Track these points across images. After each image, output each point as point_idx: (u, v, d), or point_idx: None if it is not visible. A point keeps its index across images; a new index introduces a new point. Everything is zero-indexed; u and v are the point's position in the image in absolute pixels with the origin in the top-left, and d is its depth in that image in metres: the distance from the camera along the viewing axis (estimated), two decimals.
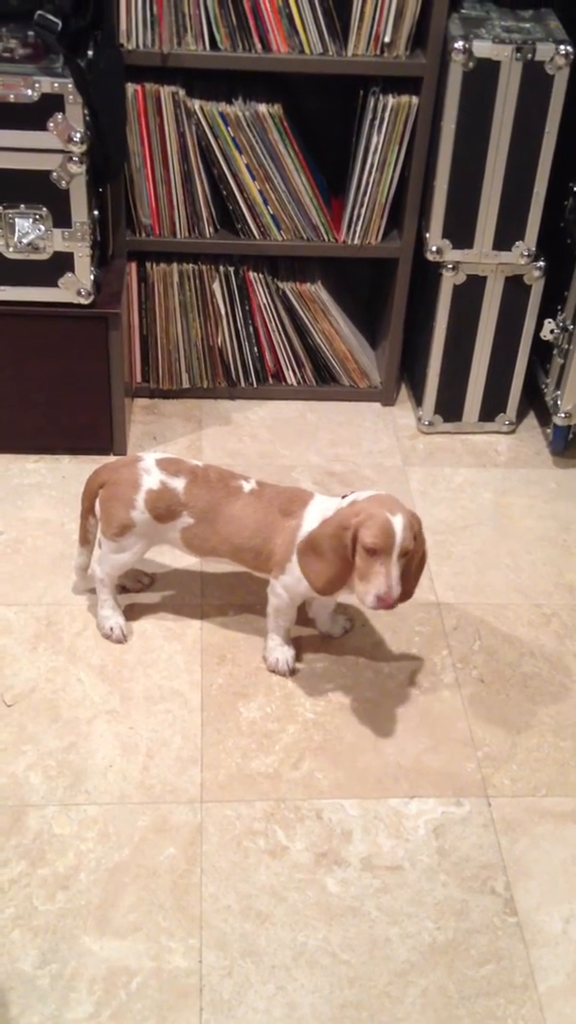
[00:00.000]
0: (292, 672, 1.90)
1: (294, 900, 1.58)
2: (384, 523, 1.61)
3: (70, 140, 1.97)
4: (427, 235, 2.26)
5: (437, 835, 1.67)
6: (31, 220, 2.05)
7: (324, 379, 2.54)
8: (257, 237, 2.31)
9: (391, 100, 2.16)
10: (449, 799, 1.72)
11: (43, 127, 1.96)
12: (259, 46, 2.10)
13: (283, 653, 1.89)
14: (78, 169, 2.00)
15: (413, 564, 1.69)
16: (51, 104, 1.94)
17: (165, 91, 2.13)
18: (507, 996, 1.50)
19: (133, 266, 2.33)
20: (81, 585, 2.00)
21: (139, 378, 2.49)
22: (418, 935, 1.55)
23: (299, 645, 1.94)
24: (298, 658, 1.92)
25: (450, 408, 2.46)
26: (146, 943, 1.52)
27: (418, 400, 2.50)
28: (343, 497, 1.75)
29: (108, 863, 1.60)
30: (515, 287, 2.30)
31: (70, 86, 1.92)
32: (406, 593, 1.69)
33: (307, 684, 1.89)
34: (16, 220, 2.04)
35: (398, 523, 1.62)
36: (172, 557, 2.06)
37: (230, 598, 2.03)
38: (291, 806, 1.70)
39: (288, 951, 1.53)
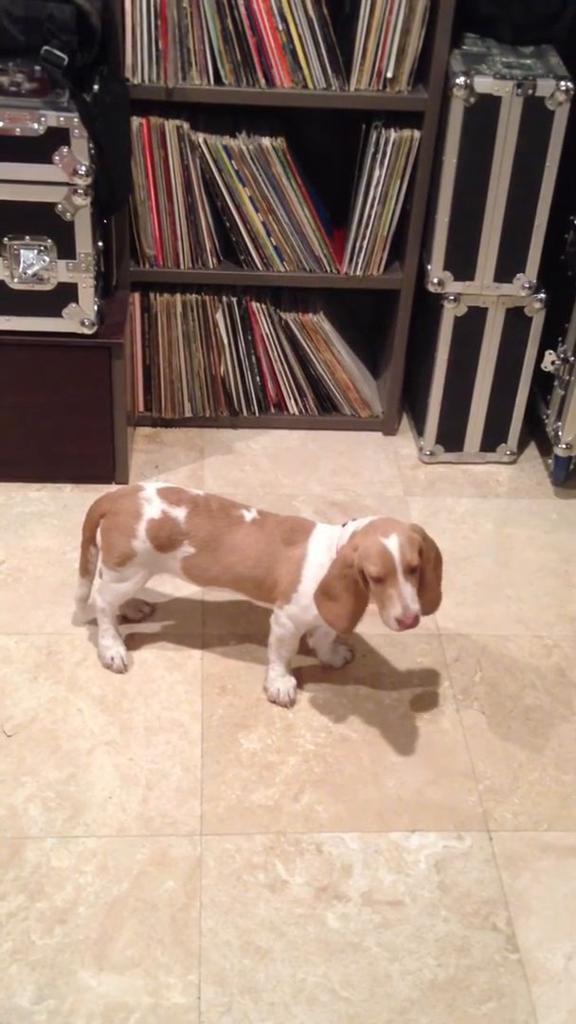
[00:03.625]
0: (293, 703, 1.89)
1: (294, 935, 1.57)
2: (380, 550, 1.62)
3: (75, 173, 1.99)
4: (429, 267, 2.27)
5: (438, 870, 1.66)
6: (36, 251, 2.06)
7: (326, 409, 2.55)
8: (260, 268, 2.33)
9: (393, 134, 2.18)
10: (450, 833, 1.71)
11: (49, 160, 1.98)
12: (263, 81, 2.12)
13: (284, 684, 1.89)
14: (83, 201, 2.02)
15: (428, 572, 1.70)
16: (57, 138, 1.96)
17: (170, 125, 2.16)
18: None
19: (137, 296, 2.34)
20: (81, 616, 2.00)
21: (142, 407, 2.50)
22: (419, 972, 1.54)
23: (300, 676, 1.94)
24: (299, 688, 1.92)
25: (451, 438, 2.46)
26: (144, 978, 1.51)
27: (419, 430, 2.51)
28: (343, 525, 1.76)
29: (107, 897, 1.59)
30: (516, 319, 2.31)
31: (76, 120, 1.94)
32: (431, 602, 1.71)
33: (308, 715, 1.88)
34: (21, 251, 2.06)
35: (393, 545, 1.63)
36: (173, 587, 2.06)
37: (231, 628, 2.03)
38: (291, 839, 1.69)
39: (287, 987, 1.51)
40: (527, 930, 1.60)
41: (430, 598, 1.71)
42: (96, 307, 2.13)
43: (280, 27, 2.07)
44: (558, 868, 1.68)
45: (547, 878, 1.66)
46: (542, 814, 1.75)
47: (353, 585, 1.66)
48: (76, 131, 1.95)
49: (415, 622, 1.63)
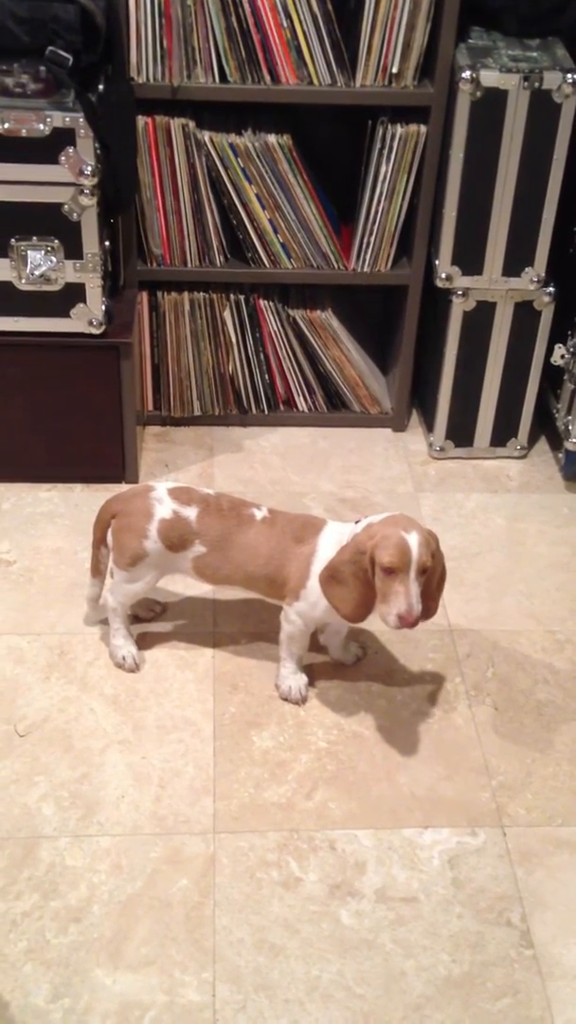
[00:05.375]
0: (305, 700, 1.89)
1: (308, 933, 1.57)
2: (399, 542, 1.62)
3: (81, 173, 1.99)
4: (437, 262, 2.27)
5: (452, 866, 1.66)
6: (43, 252, 2.06)
7: (335, 406, 2.55)
8: (267, 266, 2.33)
9: (399, 129, 2.18)
10: (464, 829, 1.71)
11: (55, 161, 1.98)
12: (268, 78, 2.12)
13: (296, 681, 1.89)
14: (89, 201, 2.02)
15: (433, 582, 1.69)
16: (63, 138, 1.96)
17: (175, 123, 2.16)
18: None
19: (144, 295, 2.34)
20: (93, 616, 2.00)
21: (151, 406, 2.50)
22: (433, 968, 1.54)
23: (311, 673, 1.94)
24: (311, 686, 1.92)
25: (461, 434, 2.46)
26: (159, 977, 1.51)
27: (429, 426, 2.50)
28: (356, 522, 1.75)
29: (121, 895, 1.60)
30: (525, 313, 2.30)
31: (81, 120, 1.95)
32: (428, 611, 1.69)
33: (320, 712, 1.88)
34: (28, 252, 2.06)
35: (413, 540, 1.62)
36: (184, 585, 2.06)
37: (242, 626, 2.03)
38: (304, 837, 1.69)
39: (302, 985, 1.51)
40: (542, 926, 1.59)
41: (426, 607, 1.69)
42: (104, 307, 2.14)
43: (284, 24, 2.06)
44: (572, 863, 1.67)
45: (561, 873, 1.66)
46: (556, 809, 1.75)
47: (361, 573, 1.65)
48: (82, 131, 1.96)
49: (415, 623, 1.62)
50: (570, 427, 2.35)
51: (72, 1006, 1.47)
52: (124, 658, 1.92)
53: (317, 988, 1.51)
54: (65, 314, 2.13)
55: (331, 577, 1.69)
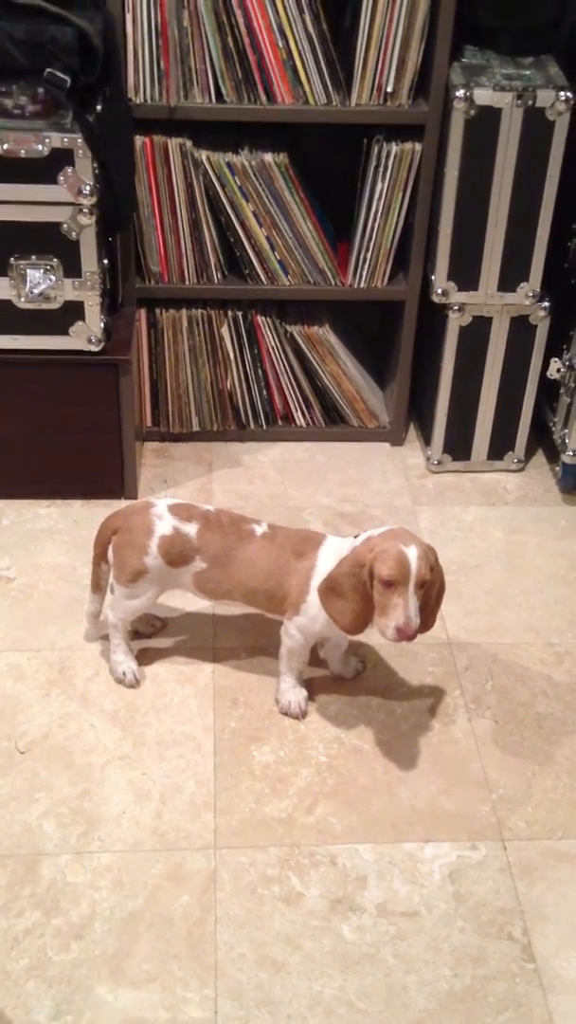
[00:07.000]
0: (305, 714, 1.90)
1: (309, 948, 1.57)
2: (398, 555, 1.63)
3: (80, 193, 2.01)
4: (433, 278, 2.29)
5: (453, 880, 1.66)
6: (42, 271, 2.08)
7: (333, 420, 2.56)
8: (265, 282, 2.35)
9: (395, 147, 2.20)
10: (464, 843, 1.71)
11: (54, 181, 2.00)
12: (264, 97, 2.14)
13: (296, 695, 1.89)
14: (88, 220, 2.04)
15: (432, 596, 1.70)
16: (61, 158, 1.98)
17: (173, 143, 2.17)
18: None
19: (143, 312, 2.36)
20: (93, 632, 2.01)
21: (149, 422, 2.51)
22: (435, 983, 1.54)
23: (311, 687, 1.94)
24: (311, 700, 1.92)
25: (459, 447, 2.47)
26: (161, 993, 1.51)
27: (427, 440, 2.51)
28: (355, 537, 1.76)
29: (122, 912, 1.60)
30: (521, 327, 2.32)
31: (79, 141, 1.96)
32: (426, 624, 1.70)
33: (320, 726, 1.89)
34: (28, 271, 2.08)
35: (412, 554, 1.63)
36: (184, 601, 2.07)
37: (242, 641, 2.03)
38: (305, 852, 1.69)
39: (304, 1000, 1.51)
40: (543, 939, 1.60)
41: (424, 621, 1.69)
42: (103, 324, 2.15)
43: (280, 44, 2.09)
44: (573, 876, 1.67)
45: (562, 887, 1.66)
46: (556, 822, 1.75)
47: (360, 585, 1.66)
48: (80, 151, 1.97)
49: (413, 636, 1.63)
50: (566, 440, 2.36)
51: (74, 1023, 1.47)
52: (124, 674, 1.93)
53: (319, 1003, 1.51)
54: (64, 332, 2.14)
55: (330, 589, 1.70)
